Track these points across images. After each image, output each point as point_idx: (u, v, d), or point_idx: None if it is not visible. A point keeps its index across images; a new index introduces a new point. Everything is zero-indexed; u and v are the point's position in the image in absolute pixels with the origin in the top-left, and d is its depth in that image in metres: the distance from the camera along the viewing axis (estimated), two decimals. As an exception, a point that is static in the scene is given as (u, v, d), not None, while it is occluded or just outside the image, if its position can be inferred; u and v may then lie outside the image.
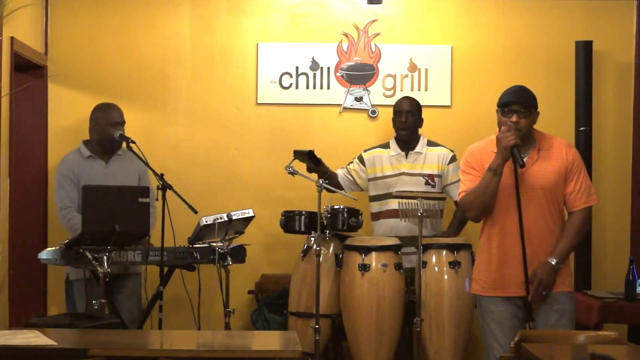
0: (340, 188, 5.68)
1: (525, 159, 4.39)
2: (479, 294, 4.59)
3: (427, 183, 5.65)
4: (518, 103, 4.40)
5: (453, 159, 5.71)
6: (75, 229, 5.33)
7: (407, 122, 5.69)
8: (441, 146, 5.75)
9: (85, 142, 5.70)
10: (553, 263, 4.40)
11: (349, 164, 5.84)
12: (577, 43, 6.07)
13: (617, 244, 6.03)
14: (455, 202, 5.65)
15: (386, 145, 5.81)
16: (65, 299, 5.58)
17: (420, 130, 5.79)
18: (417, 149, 5.71)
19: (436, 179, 5.67)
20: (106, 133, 5.59)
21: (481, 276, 4.57)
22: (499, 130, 4.42)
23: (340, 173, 5.79)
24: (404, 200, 5.38)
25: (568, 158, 4.49)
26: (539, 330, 4.31)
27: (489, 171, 4.39)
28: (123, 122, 5.65)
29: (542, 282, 4.38)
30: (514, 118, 4.38)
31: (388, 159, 5.75)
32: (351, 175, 5.79)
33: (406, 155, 5.72)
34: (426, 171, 5.68)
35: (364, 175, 5.78)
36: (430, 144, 5.74)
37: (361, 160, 5.81)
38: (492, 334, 4.50)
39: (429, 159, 5.69)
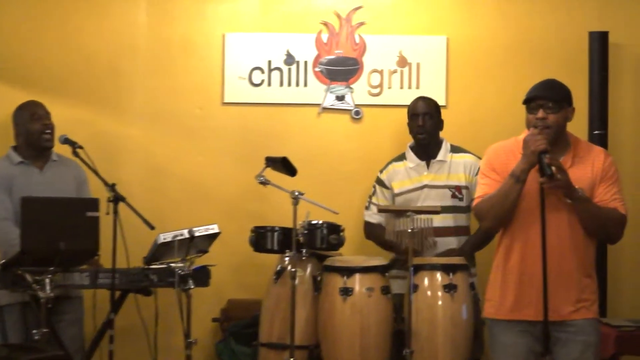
0: (390, 244, 5.34)
1: None
2: (491, 317, 4.44)
3: (454, 196, 5.42)
4: (543, 97, 4.27)
5: None
6: (13, 244, 5.10)
7: (425, 125, 5.46)
8: (467, 152, 5.55)
9: (14, 148, 5.56)
10: (578, 189, 4.20)
11: (370, 200, 5.60)
12: (591, 34, 5.96)
13: (636, 265, 5.93)
14: None
15: (400, 157, 5.62)
16: (-5, 329, 5.52)
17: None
18: (440, 156, 5.50)
19: (464, 191, 5.44)
20: (30, 129, 5.46)
21: (495, 296, 4.42)
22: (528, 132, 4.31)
23: (374, 218, 5.54)
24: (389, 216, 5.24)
25: (604, 166, 4.38)
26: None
27: (512, 177, 4.26)
28: (47, 114, 5.50)
29: (560, 169, 4.16)
30: (540, 113, 4.25)
31: (406, 173, 5.56)
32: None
33: (427, 165, 5.51)
34: (452, 182, 5.45)
35: (391, 195, 5.58)
36: (455, 149, 5.53)
37: (380, 182, 5.63)
38: None
39: (454, 167, 5.49)
